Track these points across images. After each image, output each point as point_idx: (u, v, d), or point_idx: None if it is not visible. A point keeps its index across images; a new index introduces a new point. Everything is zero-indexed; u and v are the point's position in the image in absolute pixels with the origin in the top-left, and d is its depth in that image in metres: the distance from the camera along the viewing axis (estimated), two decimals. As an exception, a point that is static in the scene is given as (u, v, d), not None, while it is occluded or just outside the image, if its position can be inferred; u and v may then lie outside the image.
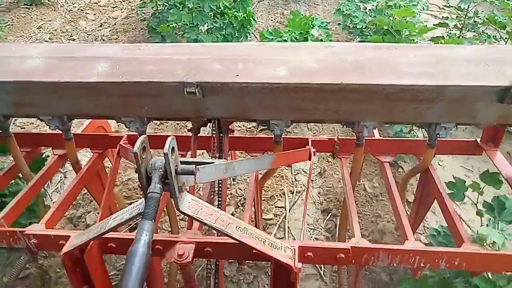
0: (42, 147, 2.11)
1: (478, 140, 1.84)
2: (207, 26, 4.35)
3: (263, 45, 1.61)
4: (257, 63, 1.42)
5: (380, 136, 2.02)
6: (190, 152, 1.80)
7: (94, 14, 6.20)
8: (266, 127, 1.56)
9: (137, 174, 1.02)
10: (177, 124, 3.56)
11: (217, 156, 1.67)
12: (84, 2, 6.67)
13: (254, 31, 5.27)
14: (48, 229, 1.46)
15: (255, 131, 3.53)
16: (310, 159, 1.61)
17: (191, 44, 1.69)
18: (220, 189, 1.57)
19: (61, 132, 1.71)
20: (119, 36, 5.56)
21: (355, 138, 1.60)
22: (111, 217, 1.16)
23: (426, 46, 1.53)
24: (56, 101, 1.54)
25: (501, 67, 1.31)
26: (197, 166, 1.09)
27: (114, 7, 6.43)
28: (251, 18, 4.41)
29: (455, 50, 1.48)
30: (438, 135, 1.46)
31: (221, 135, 1.67)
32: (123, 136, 1.88)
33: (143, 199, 1.05)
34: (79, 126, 2.15)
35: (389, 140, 1.90)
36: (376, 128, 1.67)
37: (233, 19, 4.34)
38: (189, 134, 1.72)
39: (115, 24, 5.86)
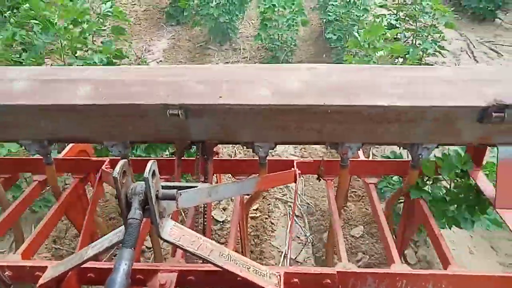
0: (22, 173, 2.05)
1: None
2: (215, 3, 5.62)
3: (246, 66, 1.63)
4: (240, 84, 1.42)
5: (365, 157, 2.03)
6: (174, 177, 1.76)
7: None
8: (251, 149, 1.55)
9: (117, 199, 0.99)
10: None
11: (202, 179, 1.64)
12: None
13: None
14: (24, 259, 1.40)
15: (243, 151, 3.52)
16: (295, 181, 1.60)
17: (174, 66, 1.69)
18: (205, 213, 1.54)
19: (41, 157, 1.67)
20: (142, 23, 6.99)
21: (340, 159, 1.60)
22: (90, 246, 1.11)
23: (407, 68, 1.56)
24: (37, 124, 1.50)
25: (480, 87, 1.34)
26: (179, 191, 1.07)
27: (133, 4, 7.61)
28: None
29: (435, 71, 1.51)
30: (421, 156, 1.47)
31: (206, 157, 1.65)
32: (105, 160, 1.85)
33: (123, 226, 1.02)
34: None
35: (373, 162, 1.91)
36: (361, 149, 1.67)
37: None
38: (173, 157, 1.70)
39: (137, 15, 7.15)
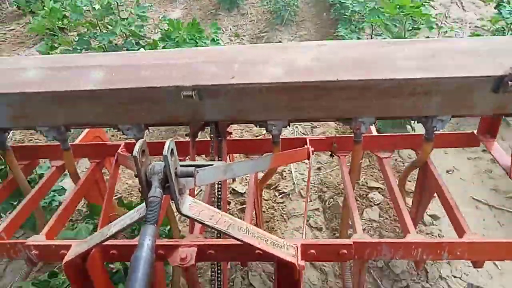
0: (40, 159, 2.09)
1: (475, 131, 1.85)
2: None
3: (256, 46, 1.62)
4: (252, 64, 1.43)
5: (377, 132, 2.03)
6: (188, 157, 1.79)
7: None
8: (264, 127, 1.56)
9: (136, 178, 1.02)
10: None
11: (216, 159, 1.66)
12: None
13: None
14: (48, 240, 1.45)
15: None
16: (308, 158, 1.61)
17: (185, 49, 1.70)
18: (220, 191, 1.57)
19: (58, 143, 1.70)
20: (193, 4, 7.58)
21: (353, 135, 1.60)
22: (112, 224, 1.15)
23: (421, 41, 1.53)
24: (54, 111, 1.53)
25: (495, 58, 1.32)
26: (197, 169, 1.09)
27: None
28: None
29: (450, 43, 1.49)
30: (435, 128, 1.46)
31: (219, 138, 1.67)
32: (120, 145, 1.88)
33: (143, 203, 1.05)
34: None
35: (386, 136, 1.91)
36: (373, 124, 1.67)
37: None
38: (188, 139, 1.72)
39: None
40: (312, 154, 1.62)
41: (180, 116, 1.54)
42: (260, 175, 1.93)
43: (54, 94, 1.44)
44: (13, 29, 6.16)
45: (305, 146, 1.71)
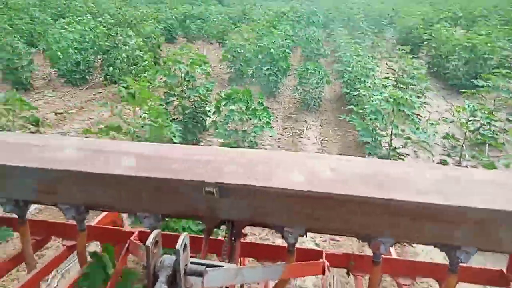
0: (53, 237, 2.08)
1: (504, 269, 1.73)
2: (266, 68, 8.78)
3: (281, 152, 1.69)
4: (275, 168, 1.47)
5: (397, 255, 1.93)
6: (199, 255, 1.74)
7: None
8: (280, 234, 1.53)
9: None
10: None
11: (227, 261, 1.61)
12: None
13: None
14: None
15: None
16: (323, 274, 1.53)
17: (212, 146, 1.79)
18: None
19: (74, 222, 1.71)
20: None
21: (372, 255, 1.54)
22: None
23: (445, 167, 1.56)
24: (78, 191, 1.58)
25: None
26: (207, 268, 1.06)
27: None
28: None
29: (474, 172, 1.51)
30: (459, 260, 1.39)
31: (233, 239, 1.64)
32: (134, 232, 1.87)
33: None
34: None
35: (408, 261, 1.81)
36: (393, 246, 1.61)
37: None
38: (201, 235, 1.70)
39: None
40: (328, 270, 1.54)
41: (198, 210, 1.55)
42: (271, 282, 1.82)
43: (81, 174, 1.50)
44: (99, 93, 8.42)
45: (321, 259, 1.64)
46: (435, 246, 1.47)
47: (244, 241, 1.89)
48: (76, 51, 8.44)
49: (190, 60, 5.52)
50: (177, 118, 5.55)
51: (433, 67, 12.12)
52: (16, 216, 1.73)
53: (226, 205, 1.48)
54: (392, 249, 1.86)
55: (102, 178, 1.49)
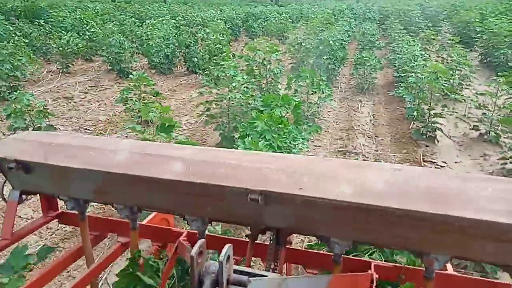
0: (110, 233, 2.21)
1: None
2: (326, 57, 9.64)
3: (329, 160, 1.63)
4: (323, 178, 1.43)
5: (454, 271, 1.81)
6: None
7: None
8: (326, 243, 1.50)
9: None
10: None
11: (272, 267, 1.60)
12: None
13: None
14: None
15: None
16: (371, 286, 1.48)
17: (259, 152, 1.78)
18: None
19: (128, 221, 1.80)
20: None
21: (424, 269, 1.45)
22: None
23: (506, 179, 1.43)
24: (131, 192, 1.66)
25: None
26: (250, 278, 1.06)
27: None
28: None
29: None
30: (524, 282, 1.27)
31: (278, 245, 1.63)
32: (183, 233, 1.92)
33: None
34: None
35: (464, 278, 1.69)
36: (449, 263, 1.51)
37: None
38: (246, 239, 1.70)
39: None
40: (376, 282, 1.48)
41: (243, 217, 1.57)
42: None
43: (134, 177, 1.57)
44: (184, 81, 10.12)
45: (369, 271, 1.58)
46: (496, 266, 1.36)
47: (289, 247, 1.87)
48: (165, 46, 10.43)
49: (267, 48, 6.97)
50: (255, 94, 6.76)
51: (485, 58, 12.83)
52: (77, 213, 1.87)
53: (271, 213, 1.48)
54: (448, 265, 1.75)
55: (152, 182, 1.55)
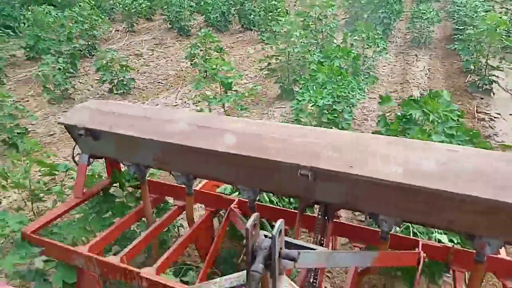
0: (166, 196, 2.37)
1: None
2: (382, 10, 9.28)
3: (379, 138, 1.60)
4: (373, 157, 1.41)
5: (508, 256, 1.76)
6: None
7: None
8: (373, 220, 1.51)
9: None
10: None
11: (319, 239, 1.66)
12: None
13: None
14: (158, 274, 1.61)
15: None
16: (418, 265, 1.50)
17: (311, 128, 1.79)
18: (316, 276, 1.55)
19: (184, 186, 1.93)
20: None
21: (474, 251, 1.44)
22: (211, 282, 1.24)
23: None
24: (188, 161, 1.76)
25: None
26: (300, 251, 1.12)
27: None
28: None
29: None
30: None
31: (326, 218, 1.67)
32: (234, 200, 2.02)
33: (245, 271, 1.09)
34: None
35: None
36: (503, 247, 1.48)
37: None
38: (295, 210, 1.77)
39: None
40: (423, 261, 1.50)
41: (293, 190, 1.61)
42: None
43: (190, 148, 1.66)
44: (240, 37, 10.30)
45: (416, 249, 1.60)
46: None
47: (336, 221, 1.91)
48: (221, 3, 10.67)
49: (323, 3, 6.97)
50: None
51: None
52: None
53: (320, 188, 1.51)
54: (502, 249, 1.71)
55: (207, 153, 1.63)
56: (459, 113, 2.62)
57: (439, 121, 2.55)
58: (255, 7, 10.24)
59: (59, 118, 5.72)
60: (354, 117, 4.73)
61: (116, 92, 6.26)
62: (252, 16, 10.39)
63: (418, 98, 2.71)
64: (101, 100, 2.30)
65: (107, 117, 1.89)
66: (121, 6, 11.20)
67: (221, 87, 4.36)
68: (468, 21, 7.55)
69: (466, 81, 6.33)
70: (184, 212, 2.09)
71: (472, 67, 6.23)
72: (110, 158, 2.11)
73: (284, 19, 6.58)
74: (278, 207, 2.14)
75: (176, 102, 6.18)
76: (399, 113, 2.72)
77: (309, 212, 1.98)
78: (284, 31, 6.06)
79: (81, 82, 6.81)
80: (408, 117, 2.63)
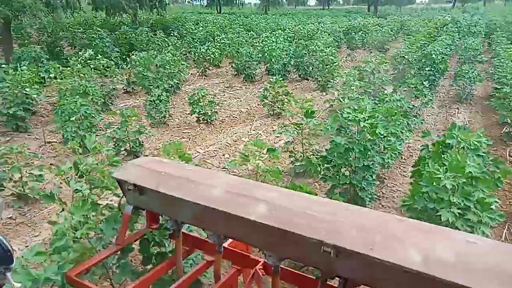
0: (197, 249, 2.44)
1: None
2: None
3: (402, 220, 1.61)
4: (394, 240, 1.44)
5: None
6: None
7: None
8: None
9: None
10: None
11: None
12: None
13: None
14: None
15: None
16: None
17: (335, 202, 1.80)
18: None
19: (215, 244, 2.03)
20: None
21: None
22: None
23: None
24: (221, 224, 1.88)
25: None
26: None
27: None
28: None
29: None
30: None
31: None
32: (260, 261, 2.05)
33: None
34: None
35: None
36: None
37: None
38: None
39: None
40: None
41: (316, 262, 1.66)
42: None
43: (225, 214, 1.78)
44: (298, 85, 11.54)
45: None
46: None
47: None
48: (285, 56, 12.38)
49: (377, 60, 8.36)
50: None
51: None
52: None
53: (342, 264, 1.55)
54: None
55: (240, 219, 1.74)
56: (488, 143, 3.37)
57: (471, 148, 3.28)
58: (313, 60, 11.58)
59: (157, 139, 6.97)
60: (402, 152, 5.75)
61: (202, 121, 7.63)
62: (310, 68, 11.78)
63: (456, 130, 3.44)
64: (152, 157, 2.54)
65: (154, 175, 2.08)
66: (196, 54, 13.10)
67: (304, 115, 5.23)
68: (505, 81, 8.32)
69: (502, 132, 7.13)
70: (212, 266, 2.16)
71: (508, 120, 7.08)
72: (152, 211, 2.27)
73: (346, 71, 7.76)
74: (302, 273, 2.12)
75: (250, 132, 7.45)
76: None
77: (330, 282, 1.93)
78: (343, 81, 7.25)
79: (171, 114, 8.16)
80: (446, 144, 3.41)
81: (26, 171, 4.51)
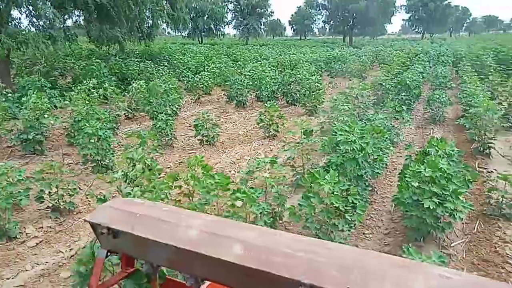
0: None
1: None
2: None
3: (380, 256, 1.64)
4: (371, 276, 1.48)
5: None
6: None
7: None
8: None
9: None
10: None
11: None
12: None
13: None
14: None
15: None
16: None
17: (315, 240, 1.81)
18: None
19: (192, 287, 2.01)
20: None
21: None
22: None
23: None
24: (196, 265, 1.89)
25: None
26: None
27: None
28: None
29: None
30: None
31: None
32: None
33: None
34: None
35: None
36: None
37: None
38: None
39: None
40: None
41: (294, 302, 1.74)
42: None
43: (201, 255, 1.80)
44: (286, 110, 12.76)
45: None
46: None
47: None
48: (273, 83, 13.77)
49: (360, 86, 9.89)
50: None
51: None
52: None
53: None
54: None
55: (216, 260, 1.74)
56: (461, 153, 4.62)
57: (446, 155, 4.56)
58: (301, 87, 13.02)
59: (165, 160, 7.66)
60: (388, 165, 6.77)
61: (205, 143, 8.41)
62: (297, 94, 13.11)
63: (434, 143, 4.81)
64: (125, 198, 2.63)
65: (128, 218, 2.04)
66: (189, 82, 14.40)
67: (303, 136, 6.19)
68: (471, 104, 9.67)
69: (471, 147, 8.38)
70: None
71: (475, 138, 8.34)
72: (127, 254, 2.22)
73: (334, 97, 9.11)
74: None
75: (250, 152, 8.30)
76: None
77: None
78: (332, 106, 8.53)
79: (175, 136, 8.95)
80: (427, 152, 4.67)
81: (58, 186, 5.03)
